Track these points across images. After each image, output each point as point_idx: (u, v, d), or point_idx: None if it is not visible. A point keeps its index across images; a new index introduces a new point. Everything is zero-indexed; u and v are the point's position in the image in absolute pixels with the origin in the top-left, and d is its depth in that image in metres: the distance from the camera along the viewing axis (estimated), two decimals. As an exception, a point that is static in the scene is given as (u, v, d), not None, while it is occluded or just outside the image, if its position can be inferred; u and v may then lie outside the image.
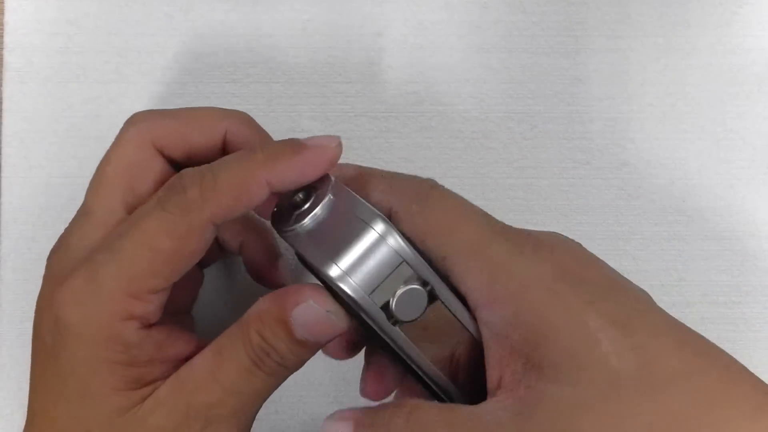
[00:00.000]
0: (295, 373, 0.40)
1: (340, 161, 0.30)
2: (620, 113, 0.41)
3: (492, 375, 0.29)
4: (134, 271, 0.29)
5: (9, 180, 0.40)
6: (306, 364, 0.40)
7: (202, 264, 0.37)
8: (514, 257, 0.29)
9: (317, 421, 0.40)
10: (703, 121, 0.41)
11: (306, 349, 0.30)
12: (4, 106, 0.40)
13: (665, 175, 0.40)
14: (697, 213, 0.40)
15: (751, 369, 0.40)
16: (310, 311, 0.30)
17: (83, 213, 0.32)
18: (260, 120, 0.39)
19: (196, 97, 0.40)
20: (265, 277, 0.37)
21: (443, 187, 0.31)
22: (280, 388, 0.40)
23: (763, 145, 0.41)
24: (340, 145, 0.31)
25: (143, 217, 0.30)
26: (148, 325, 0.30)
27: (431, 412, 0.29)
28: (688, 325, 0.30)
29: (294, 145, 0.30)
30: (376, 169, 0.32)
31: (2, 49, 0.40)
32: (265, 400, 0.31)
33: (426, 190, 0.31)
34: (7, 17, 0.40)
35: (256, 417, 0.39)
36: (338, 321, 0.30)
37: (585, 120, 0.40)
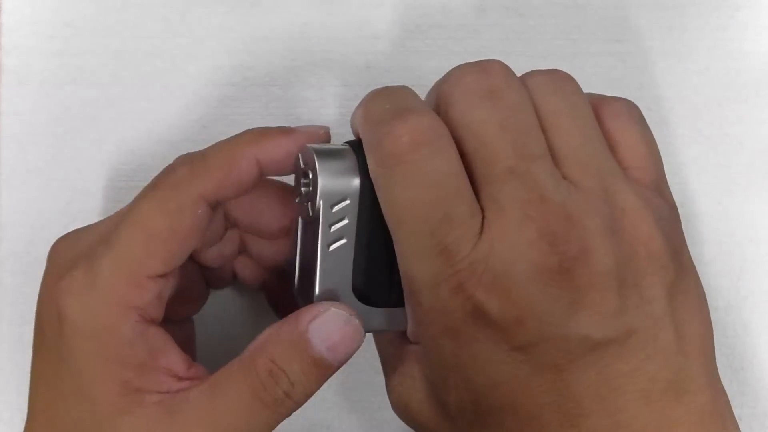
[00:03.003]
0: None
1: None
2: (618, 117, 0.40)
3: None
4: (129, 255, 0.29)
5: (7, 183, 0.40)
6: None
7: (212, 284, 0.37)
8: None
9: (316, 426, 0.40)
10: (701, 125, 0.41)
11: (320, 372, 0.29)
12: (2, 108, 0.40)
13: (663, 180, 0.40)
14: (696, 217, 0.40)
15: (750, 374, 0.40)
16: (332, 319, 0.29)
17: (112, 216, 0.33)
18: (258, 123, 0.39)
19: (192, 100, 0.40)
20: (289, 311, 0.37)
21: None
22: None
23: (761, 149, 0.41)
24: (328, 133, 0.32)
25: (137, 201, 0.30)
26: (147, 321, 0.29)
27: None
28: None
29: (283, 127, 0.31)
30: None
31: (-1, 51, 0.40)
32: None
33: None
34: (4, 19, 0.40)
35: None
36: (361, 328, 0.30)
37: (583, 123, 0.40)
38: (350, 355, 0.30)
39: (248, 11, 0.40)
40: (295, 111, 0.40)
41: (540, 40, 0.40)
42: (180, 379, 0.30)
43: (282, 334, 0.29)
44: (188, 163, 0.30)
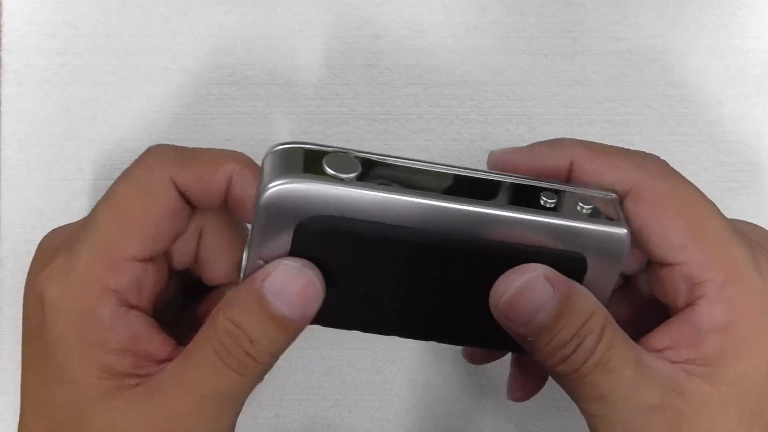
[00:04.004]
0: (295, 377, 0.40)
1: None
2: (618, 115, 0.41)
3: None
4: (106, 237, 0.29)
5: (8, 182, 0.40)
6: (305, 368, 0.40)
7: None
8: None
9: (317, 425, 0.40)
10: (701, 123, 0.41)
11: (282, 329, 0.28)
12: (3, 108, 0.40)
13: (664, 178, 0.41)
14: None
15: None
16: (284, 271, 0.28)
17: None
18: (258, 122, 0.39)
19: (194, 99, 0.40)
20: None
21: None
22: (280, 390, 0.40)
23: (761, 147, 0.41)
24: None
25: (114, 184, 0.31)
26: (126, 306, 0.29)
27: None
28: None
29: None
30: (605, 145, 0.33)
31: (0, 50, 0.40)
32: (238, 405, 0.30)
33: (666, 168, 0.33)
34: (5, 19, 0.40)
35: (256, 421, 0.40)
36: (316, 278, 0.29)
37: (583, 122, 0.40)
38: (311, 308, 0.29)
39: (248, 10, 0.40)
40: (296, 110, 0.40)
41: (541, 38, 0.40)
42: (162, 362, 0.30)
43: (239, 293, 0.29)
44: (166, 148, 0.31)
